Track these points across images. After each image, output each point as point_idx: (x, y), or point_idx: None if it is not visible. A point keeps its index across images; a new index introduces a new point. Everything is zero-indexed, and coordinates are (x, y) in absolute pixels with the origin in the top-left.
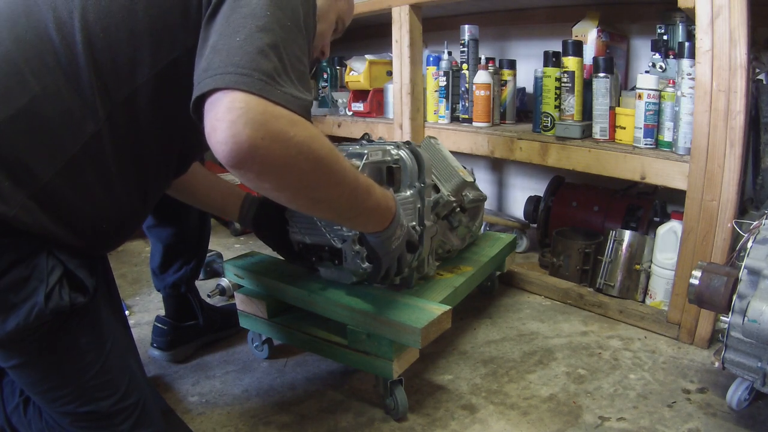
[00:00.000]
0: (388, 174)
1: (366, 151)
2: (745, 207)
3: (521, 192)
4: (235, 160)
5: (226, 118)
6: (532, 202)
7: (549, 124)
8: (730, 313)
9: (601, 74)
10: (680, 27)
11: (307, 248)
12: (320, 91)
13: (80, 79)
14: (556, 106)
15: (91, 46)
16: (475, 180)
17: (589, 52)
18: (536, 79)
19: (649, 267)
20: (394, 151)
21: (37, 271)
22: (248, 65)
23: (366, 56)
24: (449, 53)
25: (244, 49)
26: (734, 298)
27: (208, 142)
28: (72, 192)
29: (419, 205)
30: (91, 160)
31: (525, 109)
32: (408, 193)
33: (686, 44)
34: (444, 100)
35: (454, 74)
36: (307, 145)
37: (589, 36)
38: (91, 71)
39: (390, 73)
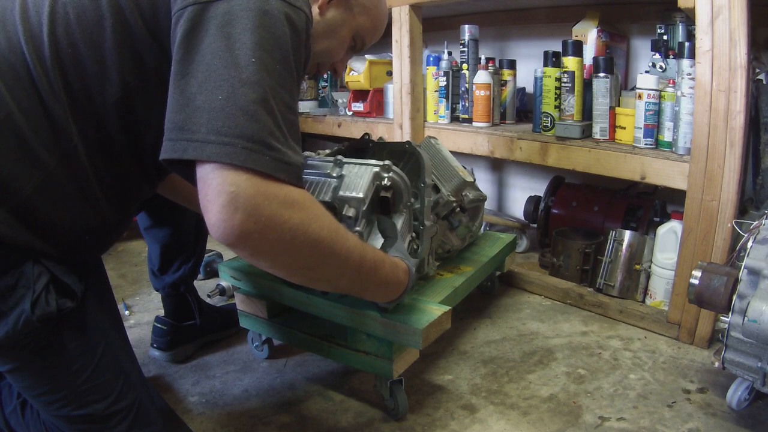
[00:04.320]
0: (383, 204)
1: (361, 195)
2: (745, 207)
3: (521, 192)
4: (227, 242)
5: (216, 201)
6: (532, 202)
7: (549, 124)
8: (730, 313)
9: (601, 74)
10: (680, 27)
11: None
12: (320, 91)
13: (53, 94)
14: (556, 106)
15: (59, 62)
16: (475, 180)
17: (589, 52)
18: (536, 79)
19: (649, 267)
20: (385, 175)
21: (24, 278)
22: (231, 132)
23: (366, 56)
24: (449, 53)
25: (226, 112)
26: (734, 298)
27: (203, 215)
28: (52, 206)
29: (417, 206)
30: (69, 174)
31: (525, 109)
32: (403, 214)
33: (686, 44)
34: (444, 100)
35: (454, 74)
36: (303, 229)
37: (589, 36)
38: (60, 87)
39: (390, 73)
